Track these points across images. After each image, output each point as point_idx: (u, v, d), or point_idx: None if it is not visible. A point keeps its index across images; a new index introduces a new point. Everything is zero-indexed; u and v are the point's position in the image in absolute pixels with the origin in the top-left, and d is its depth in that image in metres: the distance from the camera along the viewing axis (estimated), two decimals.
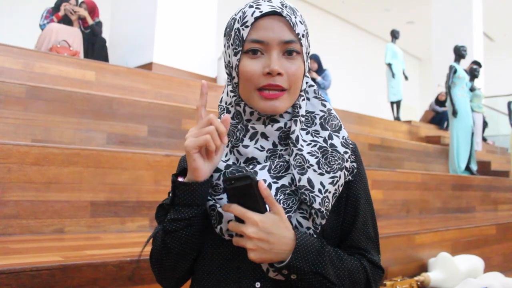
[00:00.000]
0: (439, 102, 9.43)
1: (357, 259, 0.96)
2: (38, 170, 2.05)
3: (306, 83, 1.00)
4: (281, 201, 0.91)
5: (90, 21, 5.41)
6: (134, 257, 1.58)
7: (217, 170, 0.93)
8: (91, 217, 2.15)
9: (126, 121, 3.16)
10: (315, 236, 0.92)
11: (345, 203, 0.99)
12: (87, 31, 5.47)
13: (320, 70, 6.93)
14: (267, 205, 0.85)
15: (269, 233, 0.83)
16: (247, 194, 0.82)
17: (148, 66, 5.22)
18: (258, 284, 0.92)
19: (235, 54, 0.92)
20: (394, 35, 8.68)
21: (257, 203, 0.83)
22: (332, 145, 0.96)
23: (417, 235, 2.85)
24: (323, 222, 0.93)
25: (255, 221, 0.82)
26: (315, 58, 6.96)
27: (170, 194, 0.93)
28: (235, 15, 0.95)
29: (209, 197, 0.94)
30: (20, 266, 1.33)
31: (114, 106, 3.13)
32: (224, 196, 0.93)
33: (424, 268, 2.84)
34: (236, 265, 0.93)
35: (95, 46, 5.39)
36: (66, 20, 5.14)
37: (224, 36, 0.98)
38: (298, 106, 0.96)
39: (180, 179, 0.92)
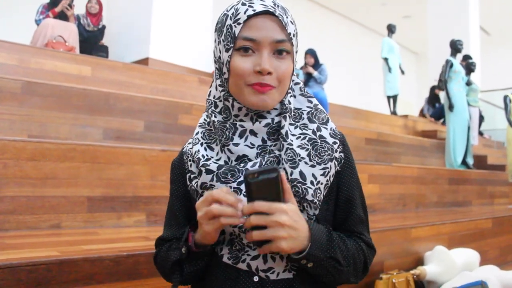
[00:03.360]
0: (432, 99, 9.41)
1: (355, 241, 1.01)
2: (34, 166, 2.04)
3: (292, 80, 1.02)
4: None
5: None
6: (131, 252, 1.58)
7: (209, 171, 0.95)
8: (87, 212, 2.15)
9: (122, 117, 3.15)
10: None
11: (336, 193, 1.02)
12: (95, 30, 5.50)
13: (316, 65, 6.91)
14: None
15: (296, 220, 0.84)
16: (269, 187, 0.82)
17: (144, 61, 5.21)
18: (256, 278, 0.94)
19: (227, 51, 0.94)
20: (391, 29, 8.66)
21: (278, 196, 0.83)
22: (321, 137, 0.98)
23: (413, 229, 2.86)
24: (316, 212, 0.96)
25: (284, 209, 0.82)
26: (311, 52, 6.95)
27: (183, 249, 0.96)
28: (227, 11, 0.96)
29: None
30: (17, 261, 1.34)
31: (111, 102, 3.12)
32: None
33: (420, 261, 2.85)
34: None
35: (97, 46, 5.43)
36: (61, 16, 5.12)
37: (215, 31, 0.99)
38: (286, 102, 0.98)
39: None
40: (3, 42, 3.61)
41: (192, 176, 1.00)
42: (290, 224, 0.82)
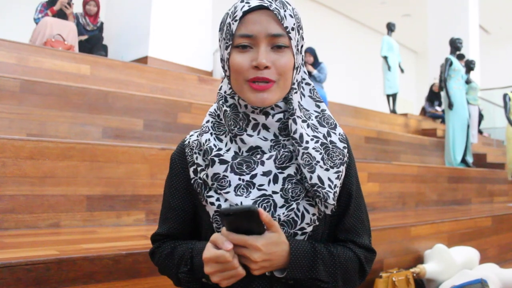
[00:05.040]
0: (432, 96, 9.39)
1: (350, 249, 1.01)
2: (33, 164, 2.04)
3: (304, 79, 1.03)
4: (290, 190, 0.93)
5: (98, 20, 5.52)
6: (130, 251, 1.58)
7: (223, 162, 0.94)
8: (87, 211, 2.15)
9: (121, 115, 3.14)
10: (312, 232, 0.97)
11: (339, 191, 1.01)
12: (95, 29, 5.50)
13: (315, 63, 6.91)
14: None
15: (270, 253, 0.87)
16: (247, 220, 0.84)
17: (143, 60, 5.20)
18: (268, 273, 0.94)
19: (226, 48, 0.95)
20: (390, 28, 8.66)
21: (257, 227, 0.85)
22: (331, 142, 0.99)
23: (413, 227, 2.86)
24: (328, 211, 0.96)
25: (258, 247, 0.85)
26: (310, 51, 6.94)
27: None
28: (229, 10, 0.97)
29: (215, 192, 0.96)
30: (16, 260, 1.33)
31: (110, 100, 3.12)
32: (231, 190, 0.94)
33: (420, 260, 2.85)
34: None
35: (97, 46, 5.42)
36: (60, 14, 5.11)
37: (219, 30, 1.00)
38: (292, 99, 0.96)
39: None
40: (1, 40, 3.60)
41: (199, 168, 0.99)
42: (261, 259, 0.86)
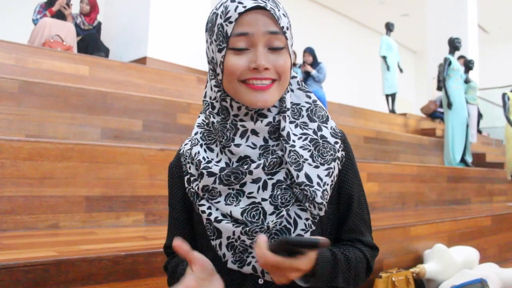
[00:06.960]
0: None
1: (358, 249, 0.99)
2: (31, 166, 2.03)
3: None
4: (279, 196, 0.91)
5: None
6: (129, 252, 1.57)
7: (211, 174, 0.92)
8: (86, 212, 2.14)
9: (120, 116, 3.14)
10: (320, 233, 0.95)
11: (338, 191, 1.00)
12: (91, 28, 5.49)
13: (315, 63, 6.91)
14: None
15: (306, 270, 0.85)
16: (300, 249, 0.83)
17: (142, 61, 5.19)
18: (261, 281, 0.93)
19: (220, 51, 0.89)
20: (389, 27, 8.66)
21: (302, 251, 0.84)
22: (322, 137, 0.96)
23: (413, 227, 2.86)
24: (321, 213, 0.93)
25: (300, 268, 0.83)
26: (309, 51, 6.94)
27: None
28: (216, 9, 0.92)
29: (206, 201, 0.94)
30: (14, 262, 1.33)
31: (108, 101, 3.11)
32: (221, 199, 0.93)
33: (419, 259, 2.85)
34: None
35: (95, 46, 5.41)
36: (59, 15, 5.11)
37: (206, 31, 0.95)
38: (284, 100, 0.94)
39: None
40: (0, 41, 3.60)
41: (192, 178, 0.97)
42: (295, 278, 0.85)
